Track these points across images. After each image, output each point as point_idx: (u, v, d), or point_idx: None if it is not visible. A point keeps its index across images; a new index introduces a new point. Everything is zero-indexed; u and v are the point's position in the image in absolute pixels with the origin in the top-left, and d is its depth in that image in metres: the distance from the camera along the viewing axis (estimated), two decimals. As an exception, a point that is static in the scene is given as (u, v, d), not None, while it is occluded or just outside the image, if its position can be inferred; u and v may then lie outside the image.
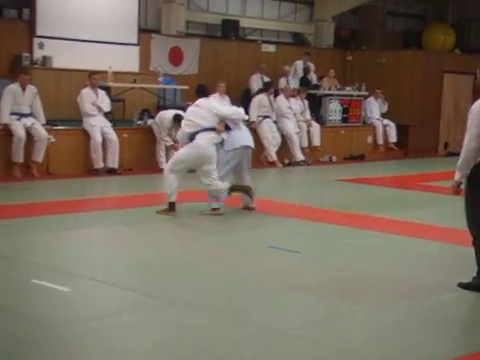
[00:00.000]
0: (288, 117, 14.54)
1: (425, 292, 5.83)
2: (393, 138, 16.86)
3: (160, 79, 13.86)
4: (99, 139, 11.80)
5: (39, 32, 13.12)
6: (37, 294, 5.41)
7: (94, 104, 11.93)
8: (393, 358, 4.47)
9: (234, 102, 14.19)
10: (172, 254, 6.82)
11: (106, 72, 12.62)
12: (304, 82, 15.99)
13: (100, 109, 11.97)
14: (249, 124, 14.10)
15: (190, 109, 8.76)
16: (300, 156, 14.44)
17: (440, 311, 5.42)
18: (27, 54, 12.92)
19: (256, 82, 15.49)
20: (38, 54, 13.08)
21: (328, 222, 8.53)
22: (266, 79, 15.25)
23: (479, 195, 5.72)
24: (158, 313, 5.12)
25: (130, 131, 12.59)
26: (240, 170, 8.98)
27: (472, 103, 5.92)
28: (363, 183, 12.24)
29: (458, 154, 5.90)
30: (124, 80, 13.12)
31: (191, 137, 8.51)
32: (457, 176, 5.82)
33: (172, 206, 8.54)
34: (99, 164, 11.83)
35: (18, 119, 11.16)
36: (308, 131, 14.97)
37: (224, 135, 8.76)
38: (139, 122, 12.86)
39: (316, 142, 15.06)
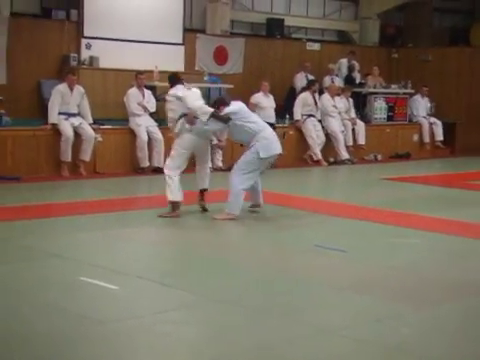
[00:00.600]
0: (333, 116, 14.49)
1: (472, 292, 5.77)
2: (440, 136, 16.67)
3: (205, 78, 13.94)
4: (145, 138, 11.92)
5: (86, 33, 13.32)
6: (85, 292, 5.49)
7: (140, 104, 12.05)
8: (440, 358, 4.44)
9: (278, 101, 14.28)
10: (218, 253, 6.86)
11: (152, 72, 12.74)
12: (349, 80, 15.92)
13: (146, 109, 12.09)
14: (294, 123, 14.13)
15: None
16: (345, 155, 14.37)
17: (487, 312, 5.37)
18: (75, 54, 13.14)
19: (300, 81, 15.46)
20: (85, 54, 13.29)
21: (374, 221, 8.49)
22: (310, 77, 15.21)
23: None
24: (205, 311, 5.16)
25: (175, 130, 12.66)
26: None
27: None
28: (409, 182, 12.13)
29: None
30: (170, 80, 13.20)
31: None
32: None
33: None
34: (145, 163, 11.95)
35: (66, 119, 11.33)
36: (353, 129, 14.89)
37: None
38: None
39: (361, 141, 14.98)
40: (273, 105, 13.72)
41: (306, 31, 17.66)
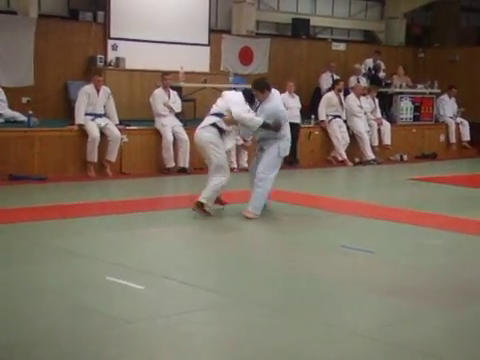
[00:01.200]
0: (359, 116, 14.43)
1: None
2: (466, 136, 16.53)
3: (230, 79, 13.96)
4: (171, 139, 11.96)
5: (113, 34, 13.43)
6: (112, 291, 5.53)
7: (166, 104, 12.09)
8: (467, 361, 4.42)
9: (304, 101, 14.26)
10: (243, 253, 6.87)
11: (177, 72, 12.78)
12: (374, 80, 15.85)
13: (171, 109, 12.13)
14: (319, 123, 14.10)
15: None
16: (371, 155, 14.31)
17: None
18: (101, 56, 13.25)
19: (326, 81, 15.43)
20: (112, 55, 13.40)
21: (400, 222, 8.44)
22: (336, 77, 15.17)
23: None
24: (231, 311, 5.17)
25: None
26: None
27: None
28: (435, 182, 12.05)
29: None
30: (195, 80, 13.27)
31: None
32: None
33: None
34: (171, 163, 11.99)
35: (92, 119, 11.40)
36: (379, 130, 14.82)
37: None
38: (210, 122, 12.94)
39: (387, 141, 14.90)
40: (298, 105, 13.70)
41: (332, 31, 17.62)
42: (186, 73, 12.94)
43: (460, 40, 18.63)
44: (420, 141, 15.87)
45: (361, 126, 14.36)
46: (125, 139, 11.66)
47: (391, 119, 15.40)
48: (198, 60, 14.07)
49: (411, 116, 15.80)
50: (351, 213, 8.89)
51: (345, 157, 13.95)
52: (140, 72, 13.31)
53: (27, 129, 11.03)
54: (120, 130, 11.59)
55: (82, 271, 6.05)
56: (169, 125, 12.03)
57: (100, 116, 11.50)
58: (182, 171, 12.05)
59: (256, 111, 8.39)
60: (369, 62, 16.25)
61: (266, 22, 16.42)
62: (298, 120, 13.59)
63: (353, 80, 15.50)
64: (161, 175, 11.85)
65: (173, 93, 12.27)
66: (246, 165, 12.61)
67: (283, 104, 13.34)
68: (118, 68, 13.35)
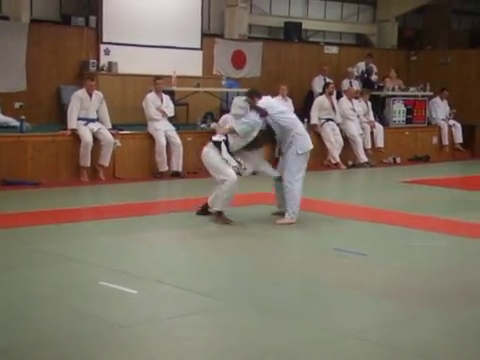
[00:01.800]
0: (351, 119, 14.45)
1: (493, 296, 5.74)
2: (459, 139, 16.59)
3: (223, 82, 13.98)
4: (164, 143, 11.95)
5: (105, 39, 13.43)
6: (105, 296, 5.52)
7: (158, 109, 12.09)
8: (460, 362, 4.43)
9: (297, 104, 14.27)
10: (236, 257, 6.87)
11: (170, 77, 12.79)
12: (367, 83, 15.89)
13: (164, 114, 12.13)
14: (311, 127, 14.11)
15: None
16: (364, 158, 14.34)
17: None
18: (94, 60, 13.25)
19: (318, 84, 15.45)
20: (104, 60, 13.40)
21: (393, 224, 8.46)
22: (329, 81, 15.20)
23: None
24: (224, 315, 5.17)
25: (194, 135, 12.71)
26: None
27: None
28: (428, 185, 12.08)
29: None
30: (188, 84, 13.28)
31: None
32: None
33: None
34: (164, 167, 11.99)
35: (85, 124, 11.39)
36: (372, 132, 14.85)
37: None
38: (203, 126, 12.97)
39: (380, 143, 14.93)
40: (291, 109, 13.70)
41: (324, 34, 17.66)
42: (179, 77, 12.95)
43: (452, 43, 18.70)
44: (413, 144, 15.91)
45: (354, 129, 14.39)
46: (118, 144, 11.64)
47: (384, 122, 15.44)
48: (191, 64, 14.09)
49: (404, 119, 15.84)
50: (344, 216, 8.91)
51: (338, 160, 13.97)
52: (133, 76, 13.31)
53: (20, 134, 11.01)
54: (113, 134, 11.58)
55: (75, 276, 6.04)
56: (162, 129, 12.02)
57: (93, 121, 11.49)
58: (175, 175, 12.05)
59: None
60: (361, 65, 16.29)
61: (258, 26, 16.45)
62: (291, 123, 13.60)
63: (346, 83, 15.53)
64: (154, 179, 11.84)
65: (166, 97, 12.27)
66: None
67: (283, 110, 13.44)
68: (111, 73, 13.35)
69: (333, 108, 14.20)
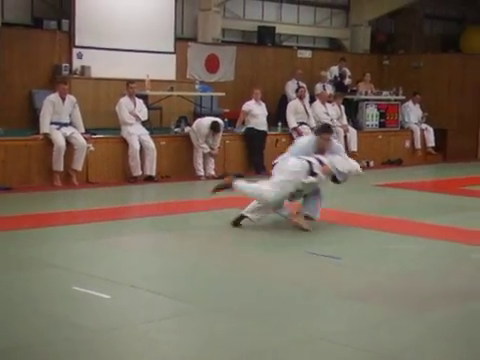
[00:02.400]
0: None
1: (467, 298, 5.77)
2: (431, 142, 16.72)
3: (196, 87, 13.96)
4: (137, 147, 11.90)
5: (78, 42, 13.34)
6: (78, 301, 5.47)
7: (132, 113, 12.04)
8: (434, 364, 4.44)
9: (270, 108, 14.30)
10: (210, 261, 6.85)
11: (143, 81, 12.74)
12: (340, 87, 15.96)
13: (137, 118, 12.09)
14: (291, 131, 14.12)
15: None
16: (337, 161, 14.37)
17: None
18: (66, 64, 13.16)
19: (292, 88, 15.49)
20: (77, 64, 13.31)
21: (367, 227, 8.50)
22: (302, 85, 15.24)
23: None
24: (198, 319, 5.15)
25: (167, 139, 12.68)
26: None
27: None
28: (401, 188, 12.15)
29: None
30: (161, 88, 13.25)
31: None
32: None
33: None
34: (137, 172, 11.93)
35: (58, 128, 11.30)
36: (345, 136, 14.91)
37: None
38: (176, 130, 12.94)
39: (353, 147, 15.00)
40: (265, 113, 13.75)
41: (297, 39, 17.71)
42: (152, 81, 12.90)
43: (424, 47, 18.85)
44: (386, 147, 16.01)
45: (327, 133, 14.41)
46: (91, 148, 11.57)
47: (357, 126, 15.52)
48: (164, 68, 14.04)
49: (377, 123, 15.94)
50: (318, 219, 8.91)
51: (312, 164, 13.98)
52: (106, 80, 13.23)
53: (-9, 139, 10.91)
54: (86, 139, 11.50)
55: (49, 281, 5.99)
56: (135, 133, 11.97)
57: (66, 125, 11.40)
58: (149, 179, 12.01)
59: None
60: (335, 69, 16.36)
61: (232, 30, 16.45)
62: (265, 128, 13.64)
63: (319, 87, 15.58)
64: (128, 184, 11.79)
65: (139, 101, 12.23)
66: (213, 173, 12.62)
67: (249, 111, 13.49)
68: (83, 76, 13.26)
69: (306, 112, 14.24)
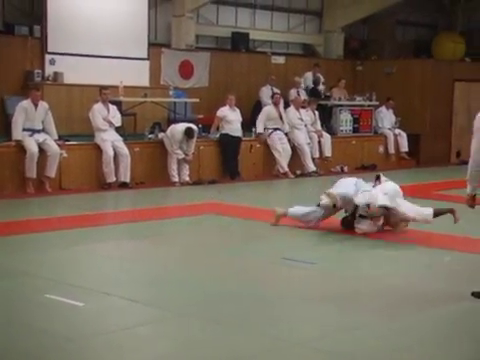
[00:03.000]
0: (299, 128, 14.56)
1: (439, 302, 5.80)
2: (405, 147, 16.85)
3: (170, 92, 13.92)
4: (111, 153, 11.84)
5: (50, 48, 13.23)
6: (51, 309, 5.42)
7: (105, 119, 11.98)
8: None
9: (245, 114, 14.31)
10: (183, 267, 6.82)
11: (117, 87, 12.69)
12: (314, 93, 16.02)
13: (111, 124, 12.03)
14: (257, 136, 14.16)
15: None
16: (311, 167, 14.44)
17: (453, 321, 5.40)
18: (39, 70, 13.04)
19: (266, 94, 15.52)
20: (49, 70, 13.20)
21: (341, 233, 8.52)
22: (276, 91, 15.27)
23: None
24: (172, 326, 5.13)
25: (141, 145, 12.64)
26: None
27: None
28: (375, 193, 12.16)
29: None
30: (135, 94, 13.19)
31: None
32: (468, 189, 5.79)
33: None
34: (111, 178, 11.87)
35: (30, 135, 11.22)
36: (319, 142, 14.97)
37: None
38: (150, 136, 12.90)
39: (327, 152, 15.06)
40: (239, 119, 13.75)
41: (271, 44, 17.74)
42: (126, 87, 12.85)
43: (396, 53, 18.99)
44: (360, 152, 16.08)
45: (302, 138, 14.49)
46: (64, 154, 11.50)
47: (331, 131, 15.58)
48: (138, 74, 13.98)
49: (350, 128, 16.02)
50: (292, 225, 8.93)
51: (287, 169, 14.04)
52: (79, 87, 13.14)
53: (-38, 146, 10.79)
54: (59, 145, 11.43)
55: (22, 289, 5.94)
56: (109, 140, 11.92)
57: (38, 131, 11.32)
58: (123, 186, 11.95)
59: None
60: (309, 75, 16.41)
61: (205, 36, 16.44)
62: (239, 133, 13.65)
63: (293, 93, 15.62)
64: (102, 190, 11.72)
65: (112, 107, 12.18)
66: (188, 179, 12.59)
67: (224, 117, 13.51)
68: (56, 83, 13.16)
69: (280, 118, 14.28)
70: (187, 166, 12.63)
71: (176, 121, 13.20)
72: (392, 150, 16.61)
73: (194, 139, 12.60)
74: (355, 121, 16.05)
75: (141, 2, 14.40)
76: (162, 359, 4.51)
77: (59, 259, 7.01)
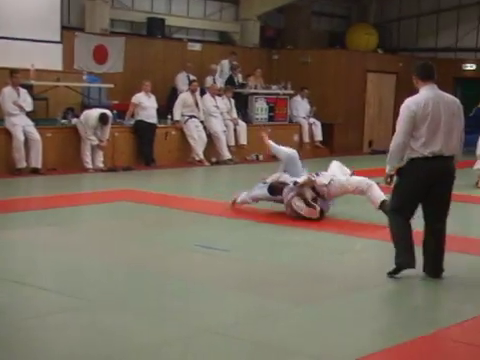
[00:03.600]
0: (215, 116, 14.54)
1: (350, 288, 5.90)
2: (319, 136, 17.08)
3: (84, 77, 13.65)
4: (21, 138, 11.54)
5: (-43, 29, 12.75)
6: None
7: (15, 103, 11.66)
8: (319, 355, 4.50)
9: (160, 101, 14.18)
10: (96, 255, 6.70)
11: (28, 70, 12.34)
12: (230, 81, 16.02)
13: (22, 108, 11.71)
14: (174, 123, 14.08)
15: None
16: (227, 155, 14.46)
17: (365, 307, 5.50)
18: None
19: (182, 81, 15.42)
20: (-44, 52, 12.72)
21: (255, 220, 8.56)
22: (192, 78, 15.20)
23: (407, 187, 6.05)
24: (83, 315, 5.03)
25: (54, 130, 12.35)
26: None
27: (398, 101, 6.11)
28: (290, 181, 12.28)
29: (382, 152, 6.06)
30: (47, 78, 12.88)
31: None
32: (387, 169, 6.13)
33: None
34: (22, 164, 11.58)
35: None
36: (235, 130, 15.00)
37: None
38: (63, 121, 12.62)
39: (243, 141, 15.10)
40: (155, 105, 13.63)
41: (187, 31, 17.63)
42: (37, 71, 12.52)
43: (312, 43, 19.21)
44: (275, 141, 16.13)
45: (217, 126, 14.48)
46: (-28, 139, 11.12)
47: (246, 119, 15.63)
48: (50, 58, 13.62)
49: (266, 116, 16.10)
50: (206, 212, 8.91)
51: (202, 157, 14.01)
52: (-12, 69, 12.72)
53: None
54: (-33, 129, 11.05)
55: None
56: (20, 124, 11.61)
57: None
58: (34, 172, 11.68)
59: None
60: (225, 63, 16.40)
61: (120, 21, 16.19)
62: (155, 120, 13.53)
63: (209, 80, 15.58)
64: (12, 176, 11.41)
65: (23, 91, 11.85)
66: (101, 165, 12.40)
67: (139, 103, 13.34)
68: (-36, 65, 12.70)
69: (196, 105, 14.22)
70: (101, 152, 12.43)
71: (90, 107, 12.96)
72: (307, 139, 16.82)
73: (109, 125, 12.41)
74: (270, 109, 16.14)
75: (54, -16, 14.02)
76: (72, 348, 4.42)
77: (-34, 247, 6.78)
